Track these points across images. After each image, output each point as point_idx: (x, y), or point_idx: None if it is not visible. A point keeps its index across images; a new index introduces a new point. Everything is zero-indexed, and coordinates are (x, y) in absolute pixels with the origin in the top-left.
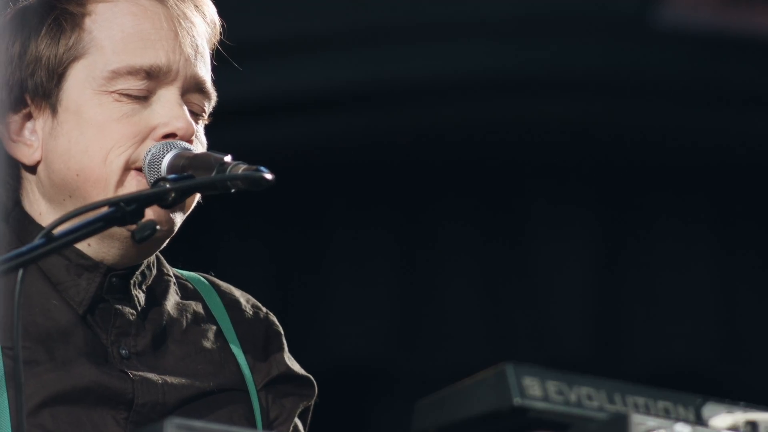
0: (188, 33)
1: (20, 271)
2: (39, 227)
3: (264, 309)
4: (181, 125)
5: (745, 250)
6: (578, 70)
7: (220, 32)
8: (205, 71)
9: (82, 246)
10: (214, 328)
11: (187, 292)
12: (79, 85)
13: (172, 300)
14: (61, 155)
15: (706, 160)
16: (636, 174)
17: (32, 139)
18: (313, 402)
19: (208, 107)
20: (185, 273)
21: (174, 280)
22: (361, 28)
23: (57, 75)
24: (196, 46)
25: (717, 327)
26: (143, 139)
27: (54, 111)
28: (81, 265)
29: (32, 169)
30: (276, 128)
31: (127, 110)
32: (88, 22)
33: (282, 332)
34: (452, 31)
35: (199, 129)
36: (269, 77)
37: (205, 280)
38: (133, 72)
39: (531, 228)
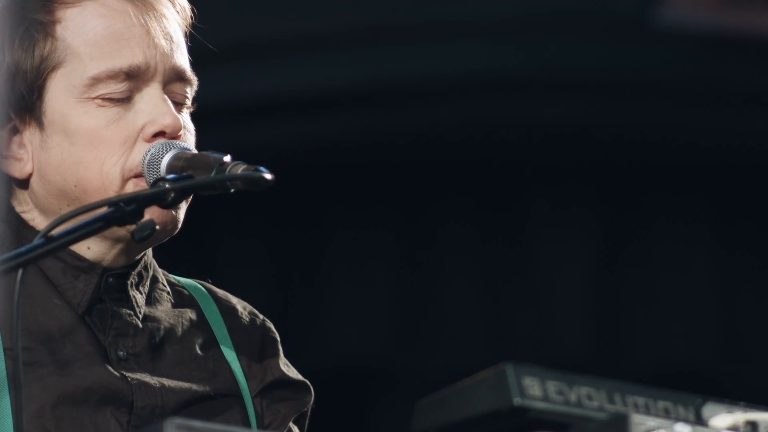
0: (160, 25)
1: (20, 271)
2: (33, 231)
3: (261, 316)
4: (168, 122)
5: (745, 250)
6: (578, 70)
7: (191, 17)
8: (183, 59)
9: (80, 248)
10: (209, 335)
11: (183, 299)
12: (60, 95)
13: (167, 307)
14: (56, 167)
15: (706, 160)
16: (636, 174)
17: (21, 153)
18: (309, 407)
19: (191, 93)
20: (181, 280)
21: (168, 289)
22: (361, 28)
23: (36, 88)
24: (170, 36)
25: (717, 327)
26: (134, 142)
27: (40, 124)
28: (77, 267)
29: (23, 182)
30: (276, 128)
31: (112, 115)
32: (59, 29)
33: (278, 339)
34: (452, 31)
35: (185, 117)
36: (269, 77)
37: (202, 287)
38: (112, 75)
39: (531, 228)
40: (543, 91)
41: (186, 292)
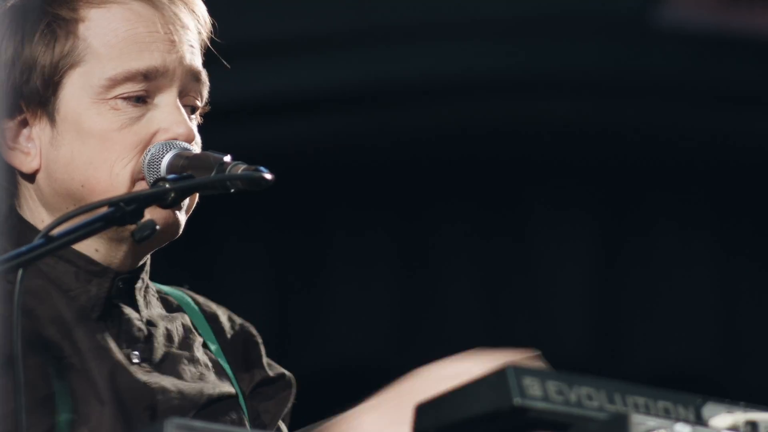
0: (183, 35)
1: (20, 271)
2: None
3: (239, 319)
4: (182, 131)
5: (745, 250)
6: (578, 70)
7: (211, 31)
8: (199, 64)
9: (88, 250)
10: (201, 339)
11: (171, 306)
12: (76, 93)
13: (162, 312)
14: (65, 165)
15: (706, 160)
16: (636, 174)
17: (29, 146)
18: (292, 400)
19: (205, 93)
20: (165, 288)
21: (157, 295)
22: (361, 28)
23: (53, 83)
24: (192, 47)
25: (717, 327)
26: (145, 147)
27: (52, 120)
28: (90, 270)
29: (30, 177)
30: (276, 128)
31: (126, 118)
32: (82, 28)
33: (260, 341)
34: (452, 31)
35: (193, 124)
36: (269, 77)
37: (185, 294)
38: (130, 77)
39: (531, 229)
40: (543, 91)
41: (171, 299)
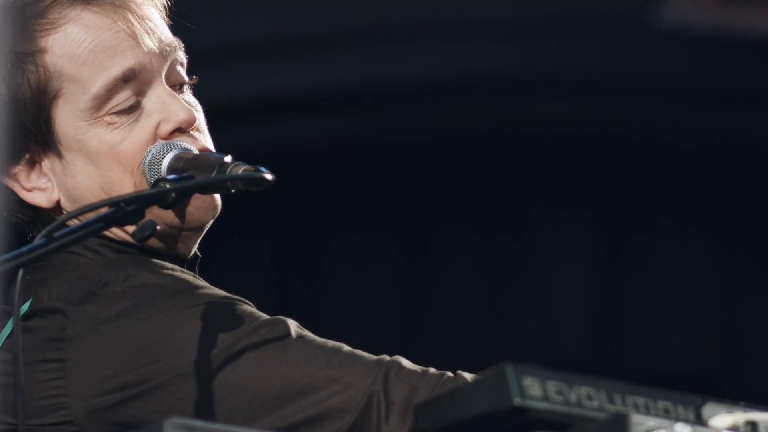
0: (142, 26)
1: (20, 271)
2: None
3: None
4: (182, 117)
5: (745, 250)
6: (578, 70)
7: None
8: (170, 46)
9: (154, 245)
10: None
11: None
12: (69, 122)
13: None
14: (88, 190)
15: (706, 160)
16: (636, 174)
17: (42, 182)
18: None
19: (184, 58)
20: None
21: None
22: (361, 28)
23: (43, 121)
24: (154, 32)
25: (717, 327)
26: (155, 140)
27: (57, 153)
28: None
29: (56, 209)
30: (276, 128)
31: (126, 127)
32: (48, 59)
33: None
34: (452, 31)
35: (188, 96)
36: (269, 77)
37: None
38: (111, 87)
39: (531, 228)
40: (543, 91)
41: None
